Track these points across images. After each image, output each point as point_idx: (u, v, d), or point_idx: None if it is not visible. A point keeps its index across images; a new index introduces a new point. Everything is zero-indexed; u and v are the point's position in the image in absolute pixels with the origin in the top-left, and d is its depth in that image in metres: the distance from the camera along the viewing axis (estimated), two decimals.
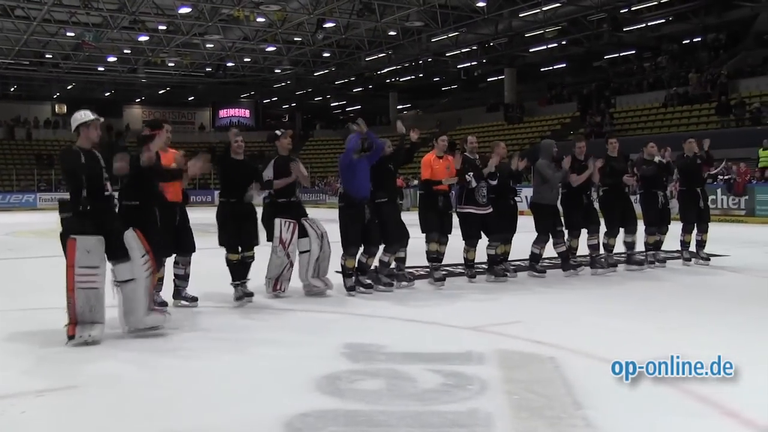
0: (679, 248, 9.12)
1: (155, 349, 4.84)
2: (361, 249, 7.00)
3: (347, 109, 52.80)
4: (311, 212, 7.28)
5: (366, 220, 6.89)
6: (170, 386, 4.06)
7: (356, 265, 7.01)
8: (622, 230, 8.57)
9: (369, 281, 7.11)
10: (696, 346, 4.75)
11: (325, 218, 7.75)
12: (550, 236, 8.03)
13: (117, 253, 5.01)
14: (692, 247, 9.07)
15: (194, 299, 6.33)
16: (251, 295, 6.43)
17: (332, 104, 52.94)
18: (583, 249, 8.40)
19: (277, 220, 6.65)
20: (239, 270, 6.41)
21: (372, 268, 7.23)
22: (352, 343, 4.89)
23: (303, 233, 6.74)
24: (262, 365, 4.49)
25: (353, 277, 7.00)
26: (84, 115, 5.10)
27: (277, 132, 6.99)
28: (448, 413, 3.48)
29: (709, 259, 9.06)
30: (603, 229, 8.41)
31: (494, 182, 7.67)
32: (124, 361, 4.55)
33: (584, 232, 8.31)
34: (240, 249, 6.40)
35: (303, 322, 5.88)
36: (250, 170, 6.53)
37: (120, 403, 3.75)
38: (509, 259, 8.23)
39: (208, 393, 3.91)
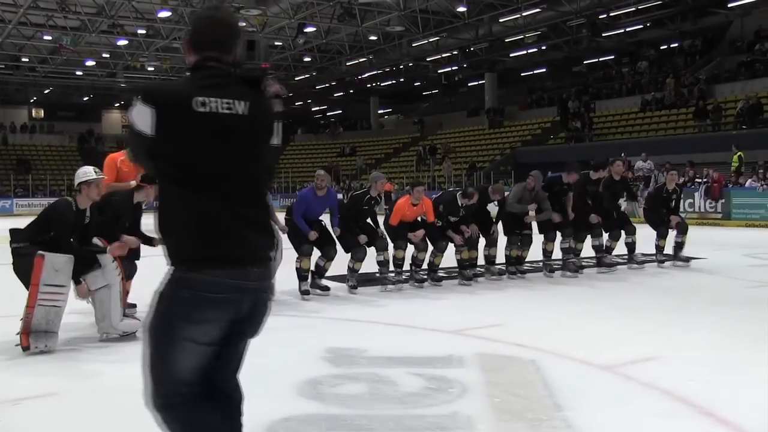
0: (654, 252, 9.23)
1: (134, 356, 4.75)
2: (319, 253, 7.12)
3: (328, 114, 52.73)
4: None
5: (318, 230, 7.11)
6: None
7: (312, 268, 7.12)
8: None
9: (325, 284, 7.23)
10: (674, 347, 4.83)
11: None
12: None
13: (88, 262, 4.96)
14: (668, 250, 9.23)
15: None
16: None
17: (313, 109, 52.85)
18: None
19: None
20: None
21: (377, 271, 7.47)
22: (334, 348, 4.89)
23: None
24: (241, 370, 4.45)
25: (308, 281, 7.05)
26: (85, 173, 4.99)
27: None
28: (429, 416, 3.49)
29: (689, 261, 9.19)
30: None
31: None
32: (103, 367, 4.50)
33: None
34: None
35: (283, 327, 5.84)
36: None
37: (99, 410, 3.71)
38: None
39: None
